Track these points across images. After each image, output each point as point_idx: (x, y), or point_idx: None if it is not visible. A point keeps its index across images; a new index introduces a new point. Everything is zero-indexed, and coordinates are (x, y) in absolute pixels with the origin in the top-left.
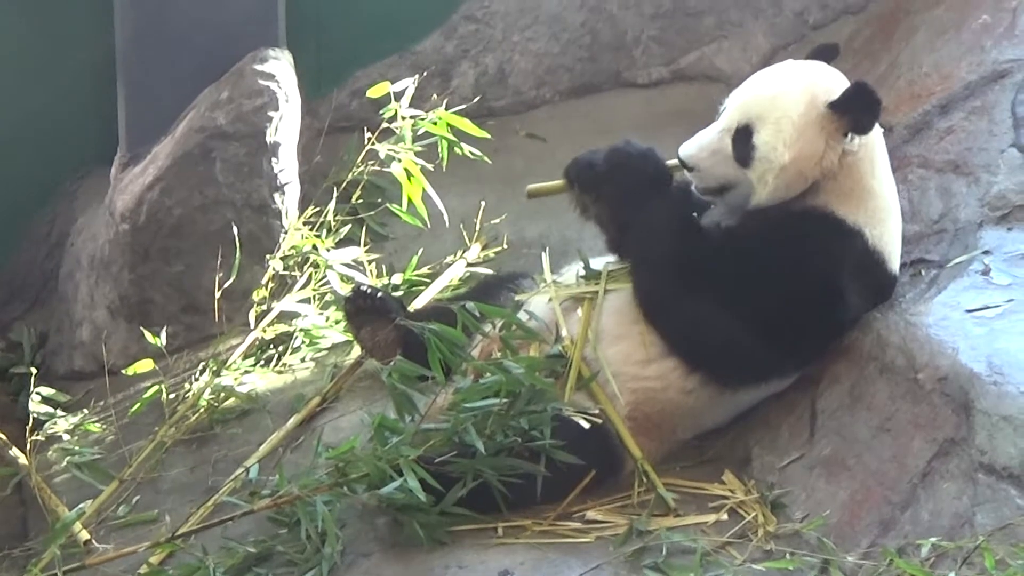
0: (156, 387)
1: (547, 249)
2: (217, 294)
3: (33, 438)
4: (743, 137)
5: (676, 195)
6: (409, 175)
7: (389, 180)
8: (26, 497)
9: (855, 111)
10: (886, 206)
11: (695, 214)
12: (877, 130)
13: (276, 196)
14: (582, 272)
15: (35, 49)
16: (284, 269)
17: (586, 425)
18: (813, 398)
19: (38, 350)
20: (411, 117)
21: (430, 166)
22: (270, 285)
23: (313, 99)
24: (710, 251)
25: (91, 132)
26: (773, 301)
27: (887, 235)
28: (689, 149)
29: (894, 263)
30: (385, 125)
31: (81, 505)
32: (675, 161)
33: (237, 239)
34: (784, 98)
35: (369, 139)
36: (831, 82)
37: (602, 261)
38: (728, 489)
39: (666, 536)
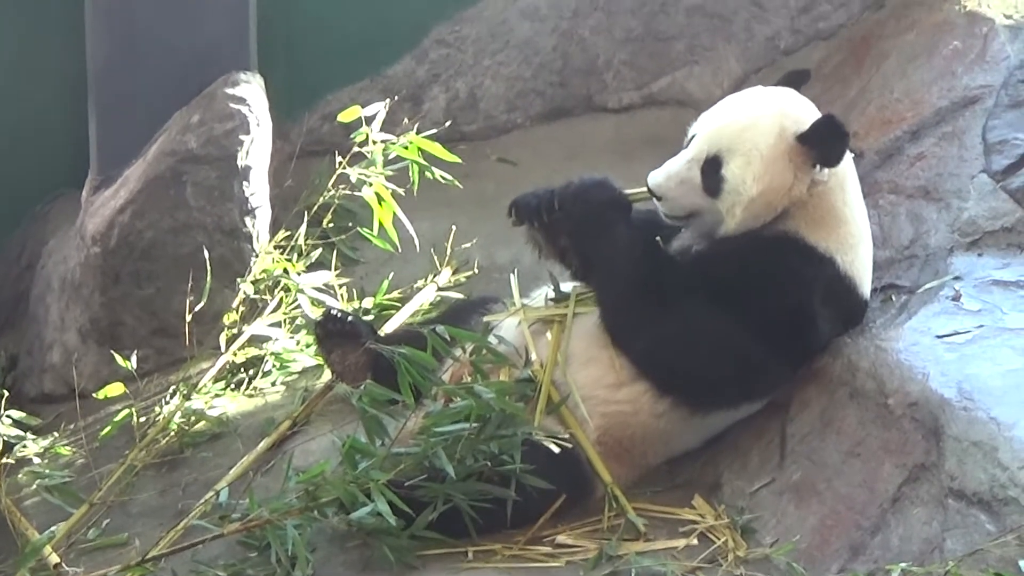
0: (126, 410)
1: (517, 272)
2: (188, 317)
3: (3, 461)
4: (712, 168)
5: (638, 220)
6: (380, 199)
7: (360, 204)
8: None
9: (823, 144)
10: (857, 232)
11: (659, 239)
12: (848, 159)
13: (247, 220)
14: (551, 295)
15: (6, 71)
16: (255, 293)
17: (556, 450)
18: (783, 423)
19: (8, 373)
20: (382, 141)
21: (401, 190)
22: (241, 309)
23: (284, 123)
24: (676, 275)
25: (62, 154)
26: (741, 326)
27: (858, 261)
28: (657, 178)
29: (865, 288)
30: (356, 149)
31: (51, 528)
32: (643, 189)
33: (208, 263)
34: (753, 130)
35: (340, 163)
36: (800, 112)
37: (572, 284)
38: (698, 514)
39: (636, 561)
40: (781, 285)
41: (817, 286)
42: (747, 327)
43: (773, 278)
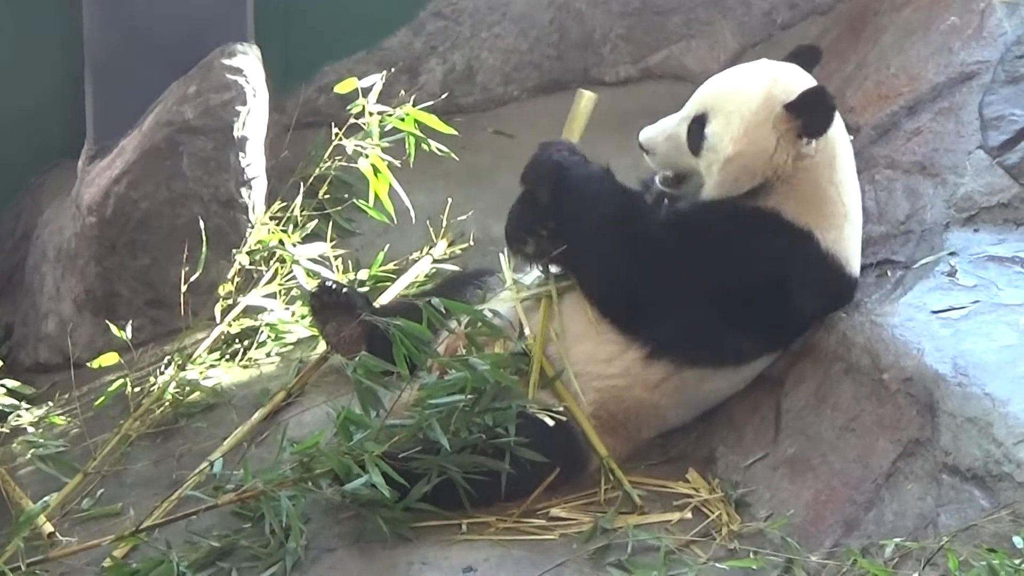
0: (121, 380)
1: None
2: (183, 288)
3: None
4: (697, 126)
5: (613, 179)
6: (376, 171)
7: (356, 176)
8: None
9: (808, 114)
10: (842, 211)
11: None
12: (843, 136)
13: (243, 191)
14: (540, 272)
15: (2, 42)
16: (250, 264)
17: (551, 422)
18: (778, 398)
19: (3, 342)
20: (378, 113)
21: (397, 162)
22: (236, 280)
23: (281, 94)
24: (653, 226)
25: (58, 125)
26: (714, 286)
27: (842, 239)
28: (648, 133)
29: (852, 267)
30: (352, 121)
31: (45, 498)
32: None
33: (204, 233)
34: (741, 93)
35: (336, 135)
36: (794, 83)
37: None
38: (692, 488)
39: (631, 534)
40: (750, 256)
41: (789, 261)
42: (719, 288)
43: (743, 249)
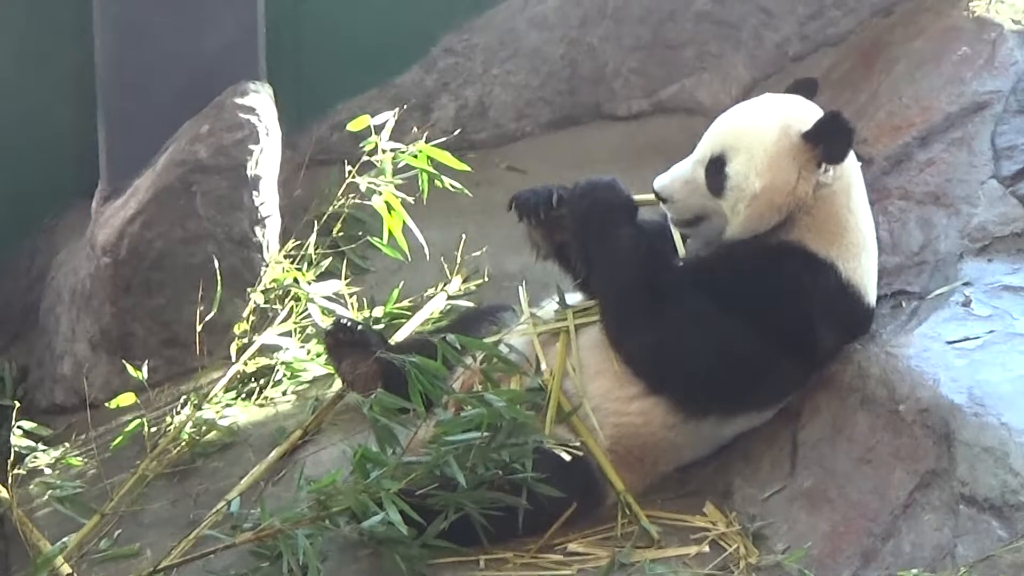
0: (138, 420)
1: (526, 282)
2: (198, 327)
3: (15, 472)
4: (716, 167)
5: (643, 225)
6: (390, 208)
7: (370, 213)
8: (8, 531)
9: (828, 140)
10: (861, 240)
11: (660, 244)
12: (854, 164)
13: (257, 229)
14: (557, 306)
15: (15, 82)
16: (265, 302)
17: (567, 458)
18: (794, 430)
19: (19, 384)
20: (391, 150)
21: (411, 199)
22: (251, 318)
23: (293, 132)
24: (678, 281)
25: (71, 166)
26: (742, 333)
27: (861, 269)
28: (663, 181)
29: (870, 296)
30: (365, 158)
31: (63, 539)
32: (651, 196)
33: (218, 272)
34: (757, 128)
35: (349, 172)
36: (806, 113)
37: (578, 295)
38: (710, 521)
39: (648, 568)
40: (781, 294)
41: (817, 294)
42: (748, 335)
43: (773, 287)
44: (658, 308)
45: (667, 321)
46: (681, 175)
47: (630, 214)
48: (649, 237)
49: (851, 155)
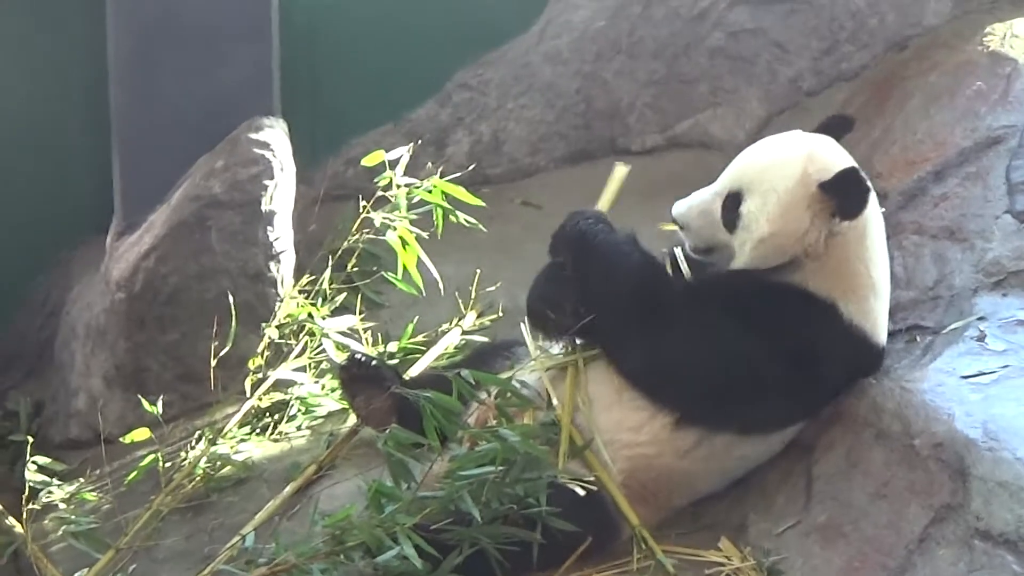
0: (152, 455)
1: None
2: (213, 362)
3: (29, 507)
4: (732, 203)
5: (642, 248)
6: (404, 243)
7: (384, 248)
8: (22, 566)
9: (843, 196)
10: (869, 283)
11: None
12: (874, 207)
13: (271, 264)
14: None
15: (31, 118)
16: (280, 337)
17: (581, 492)
18: (809, 464)
19: (34, 419)
20: (406, 185)
21: (425, 234)
22: (266, 353)
23: (308, 167)
24: (677, 293)
25: (86, 201)
26: (735, 348)
27: (867, 309)
28: (681, 208)
29: (877, 336)
30: (380, 193)
31: (78, 574)
32: (671, 226)
33: (233, 307)
34: (776, 171)
35: (364, 207)
36: (829, 160)
37: None
38: (725, 556)
39: None
40: (773, 330)
41: (815, 334)
42: (743, 350)
43: (766, 322)
44: (655, 318)
45: (665, 329)
46: (699, 204)
47: (612, 229)
48: (648, 253)
49: (872, 200)
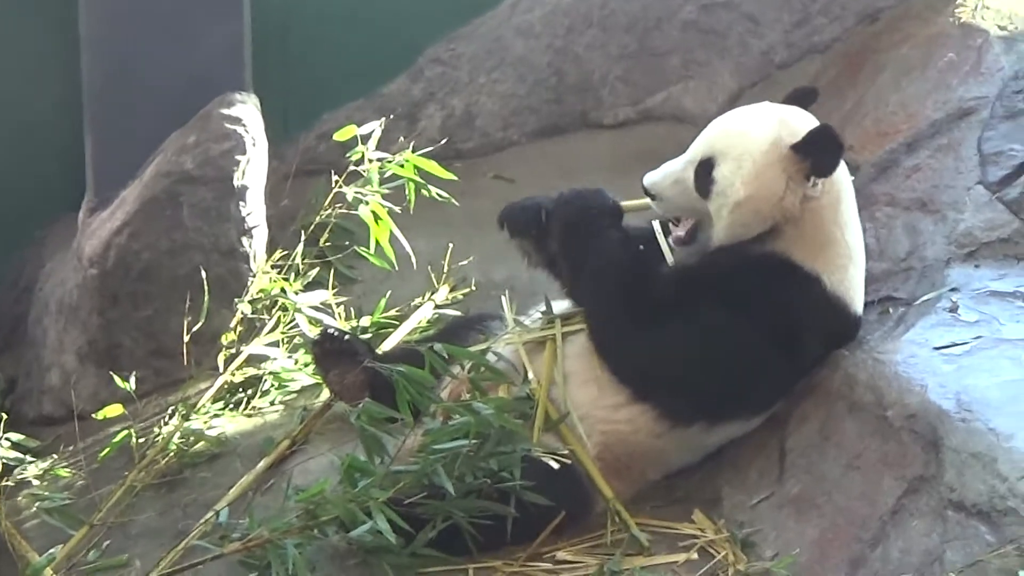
0: (125, 431)
1: (513, 291)
2: (186, 338)
3: (3, 483)
4: (705, 169)
5: (629, 231)
6: (376, 218)
7: (356, 223)
8: None
9: (816, 154)
10: (847, 252)
11: (647, 251)
12: (845, 175)
13: (244, 240)
14: (543, 314)
15: (2, 96)
16: (252, 313)
17: (556, 466)
18: (782, 437)
19: (7, 395)
20: (378, 160)
21: (397, 208)
22: (238, 329)
23: (280, 143)
24: (663, 287)
25: (59, 178)
26: (727, 342)
27: (847, 280)
28: (654, 177)
29: (856, 306)
30: (352, 168)
31: (51, 550)
32: (640, 201)
33: (205, 283)
34: (748, 135)
35: (336, 182)
36: (799, 124)
37: (568, 303)
38: (698, 528)
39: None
40: (764, 303)
41: (800, 305)
42: (733, 343)
43: (757, 296)
44: (643, 316)
45: (652, 329)
46: (671, 173)
47: (616, 220)
48: (635, 243)
49: (842, 167)
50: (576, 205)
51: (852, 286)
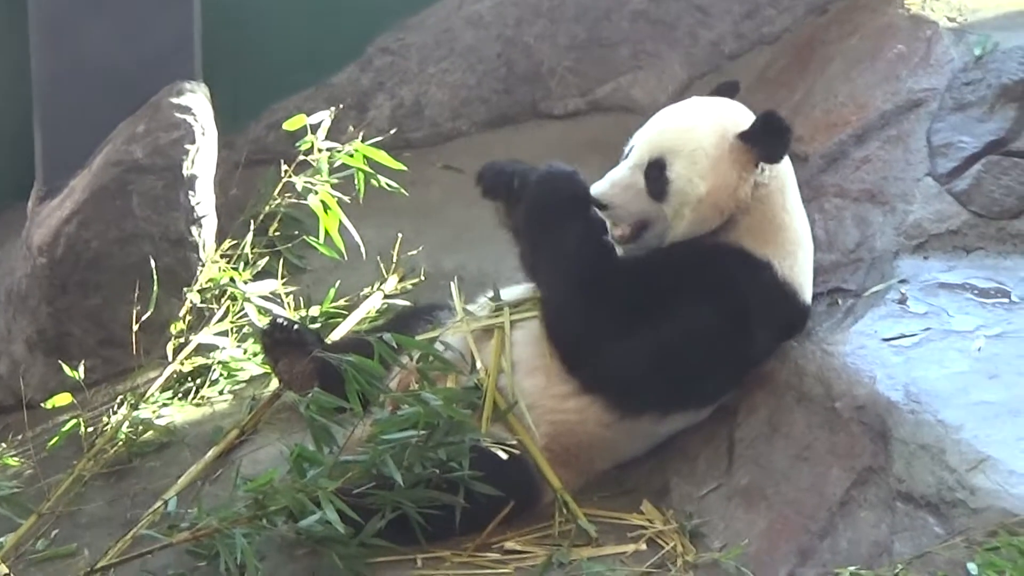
0: (74, 420)
1: (462, 280)
2: (135, 327)
3: None
4: (656, 171)
5: (593, 220)
6: (326, 207)
7: (306, 212)
8: None
9: (765, 141)
10: (796, 239)
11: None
12: (787, 163)
13: (193, 229)
14: (491, 302)
15: None
16: (202, 302)
17: (504, 456)
18: (731, 428)
19: None
20: (327, 149)
21: (347, 198)
22: (188, 318)
23: (230, 132)
24: (619, 278)
25: (7, 166)
26: (679, 334)
27: (797, 267)
28: (602, 187)
29: (806, 295)
30: (302, 158)
31: None
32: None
33: (154, 272)
34: (695, 131)
35: (286, 171)
36: (738, 115)
37: (518, 290)
38: (647, 519)
39: (586, 566)
40: (718, 293)
41: (754, 294)
42: (685, 334)
43: (711, 286)
44: (596, 307)
45: (606, 320)
46: (620, 180)
47: (583, 207)
48: (598, 233)
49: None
50: (545, 188)
51: (802, 272)
